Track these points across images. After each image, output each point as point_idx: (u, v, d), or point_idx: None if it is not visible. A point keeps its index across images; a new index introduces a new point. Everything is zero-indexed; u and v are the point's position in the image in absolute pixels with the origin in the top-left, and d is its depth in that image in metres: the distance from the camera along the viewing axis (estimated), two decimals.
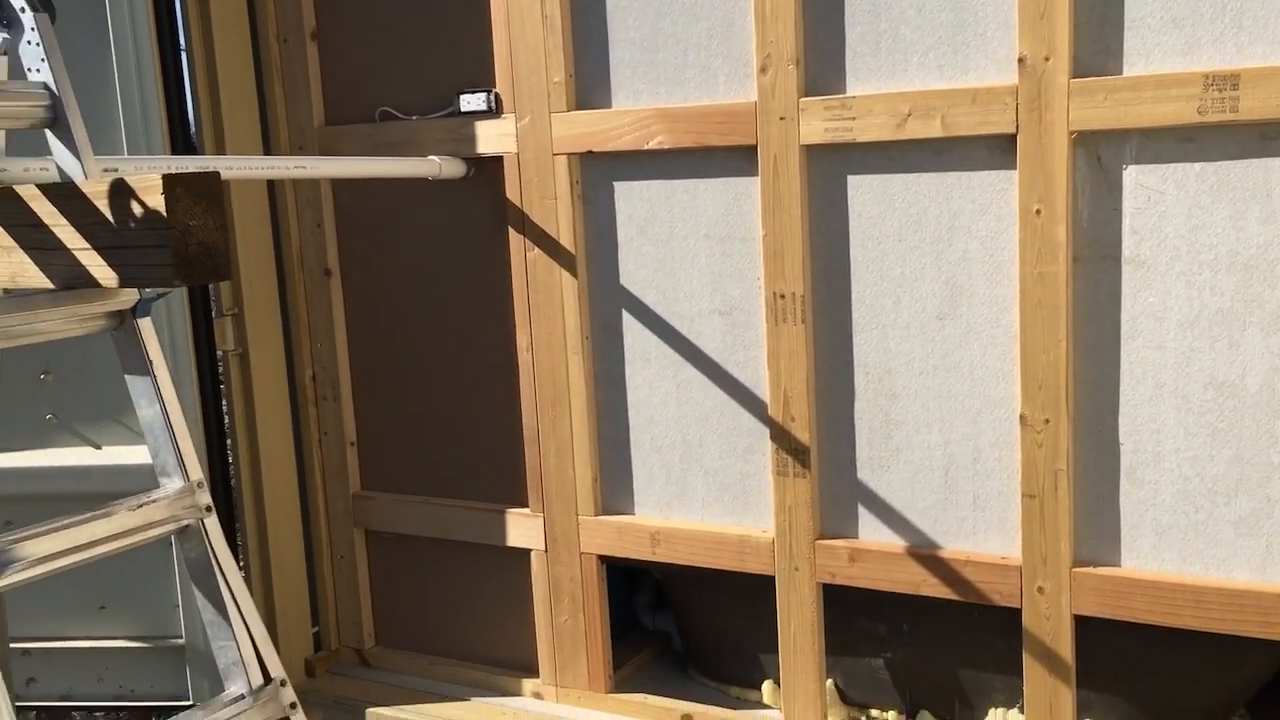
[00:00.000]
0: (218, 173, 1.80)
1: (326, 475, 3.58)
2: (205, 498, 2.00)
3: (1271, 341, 2.39)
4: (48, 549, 1.78)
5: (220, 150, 3.30)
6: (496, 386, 3.26)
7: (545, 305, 3.12)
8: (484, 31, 3.07)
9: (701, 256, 2.94)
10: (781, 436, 2.87)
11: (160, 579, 3.65)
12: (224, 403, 3.51)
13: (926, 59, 2.60)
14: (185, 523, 1.98)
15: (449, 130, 3.16)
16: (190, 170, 1.79)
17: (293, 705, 2.03)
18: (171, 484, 1.99)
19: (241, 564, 3.47)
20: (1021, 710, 2.79)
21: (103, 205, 1.78)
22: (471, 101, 3.11)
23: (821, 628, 2.92)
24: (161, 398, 1.99)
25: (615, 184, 3.01)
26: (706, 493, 3.04)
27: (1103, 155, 2.48)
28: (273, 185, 3.46)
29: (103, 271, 1.81)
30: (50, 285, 1.88)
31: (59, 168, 1.94)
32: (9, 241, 1.89)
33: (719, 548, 3.00)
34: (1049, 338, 2.54)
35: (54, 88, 1.93)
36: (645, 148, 2.90)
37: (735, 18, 2.77)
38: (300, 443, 3.59)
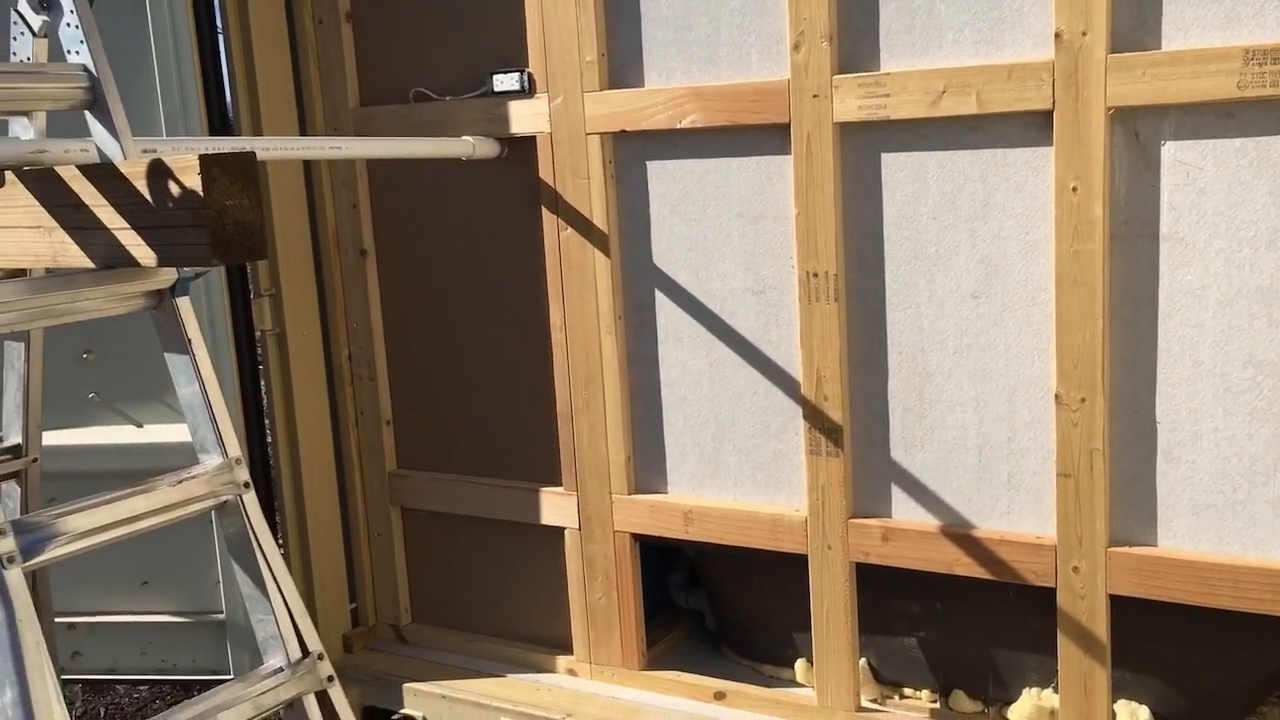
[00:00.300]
0: (253, 153, 1.81)
1: (363, 454, 3.62)
2: (244, 474, 2.03)
3: None
4: (91, 523, 1.81)
5: (257, 131, 3.33)
6: (530, 366, 3.28)
7: (578, 285, 3.13)
8: (517, 11, 3.07)
9: (734, 236, 2.93)
10: (814, 415, 2.87)
11: (201, 556, 3.71)
12: (262, 383, 3.55)
13: (962, 35, 2.58)
14: (224, 498, 2.01)
15: (482, 110, 3.17)
16: (226, 151, 1.81)
17: (330, 678, 2.06)
18: (211, 460, 2.02)
19: (280, 542, 3.52)
20: (1056, 690, 2.78)
21: (141, 186, 1.81)
22: (505, 81, 3.12)
23: (854, 607, 2.92)
24: (200, 376, 2.01)
25: (648, 163, 3.01)
26: (739, 471, 3.05)
27: (1140, 131, 2.45)
28: (309, 166, 3.49)
29: (142, 251, 1.83)
30: (91, 265, 1.91)
31: (98, 149, 1.97)
32: (50, 222, 1.92)
33: (752, 526, 3.01)
34: (1085, 316, 2.52)
35: (93, 70, 1.96)
36: (678, 127, 2.90)
37: None
38: (337, 422, 3.63)
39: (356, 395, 3.59)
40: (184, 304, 2.02)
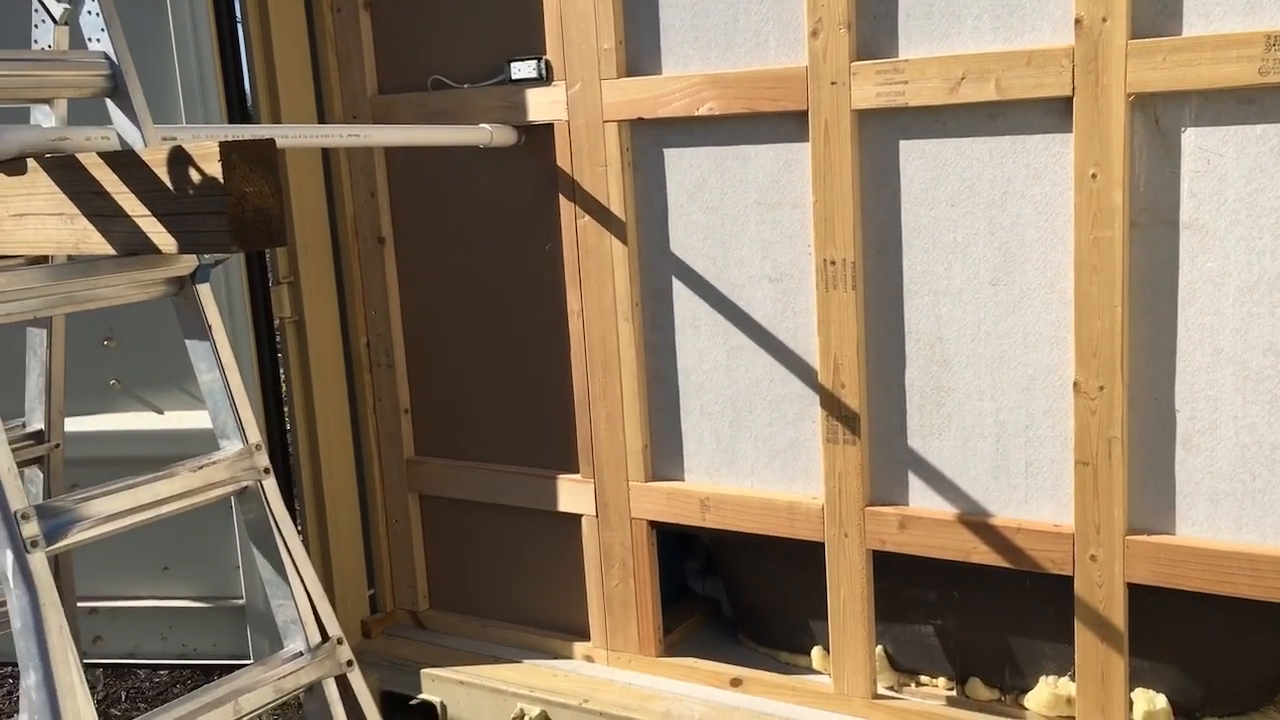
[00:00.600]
0: (273, 140, 1.82)
1: (381, 441, 3.64)
2: (264, 460, 2.04)
3: None
4: (113, 508, 1.83)
5: (275, 119, 3.34)
6: (547, 353, 3.29)
7: (596, 272, 3.13)
8: None
9: (751, 223, 2.93)
10: (831, 403, 2.87)
11: (221, 542, 3.74)
12: (281, 370, 3.57)
13: (981, 21, 2.57)
14: (244, 484, 2.02)
15: (500, 98, 3.18)
16: (246, 138, 1.82)
17: (349, 663, 2.07)
18: (231, 446, 2.03)
19: (299, 528, 3.52)
20: (1072, 678, 2.78)
21: (162, 173, 1.82)
22: (522, 69, 3.12)
23: (871, 594, 2.92)
24: (221, 362, 2.03)
25: (665, 151, 3.01)
26: (756, 459, 3.05)
27: (1161, 118, 2.44)
28: (327, 154, 3.50)
29: (163, 238, 1.84)
30: (113, 251, 1.92)
31: (119, 136, 1.98)
32: (72, 209, 1.93)
33: (768, 514, 3.01)
34: (1104, 304, 2.51)
35: (114, 57, 1.97)
36: (695, 114, 2.90)
37: None
38: (355, 409, 3.64)
39: (375, 382, 3.60)
40: (204, 291, 2.04)
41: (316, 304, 3.51)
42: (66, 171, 1.93)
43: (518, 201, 3.27)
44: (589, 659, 3.38)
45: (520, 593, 3.53)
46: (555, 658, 3.43)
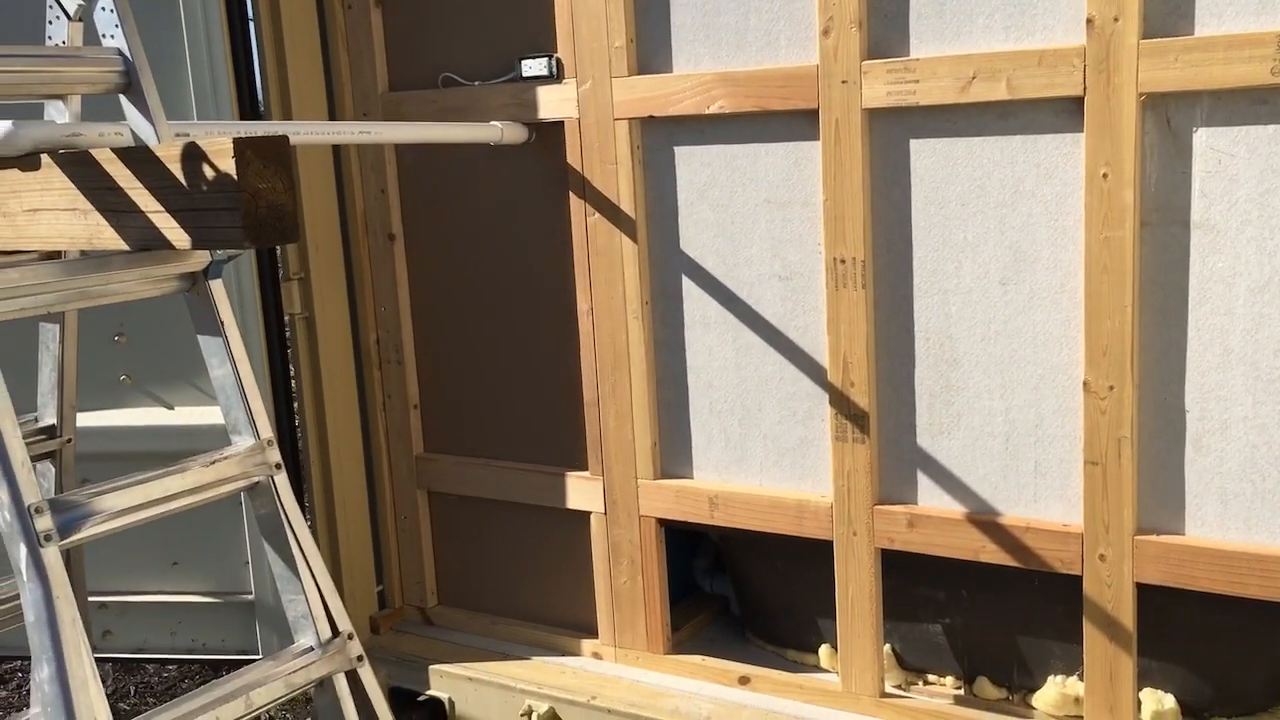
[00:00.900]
0: (286, 137, 1.83)
1: (390, 437, 3.64)
2: (275, 455, 2.05)
3: None
4: (125, 502, 1.84)
5: (287, 116, 3.35)
6: (557, 351, 3.29)
7: (605, 270, 3.13)
8: None
9: (761, 221, 2.93)
10: (841, 402, 2.87)
11: (230, 537, 3.74)
12: (290, 366, 3.58)
13: (992, 20, 2.57)
14: (256, 479, 2.03)
15: (511, 95, 3.18)
16: (259, 135, 1.82)
17: (359, 658, 2.08)
18: (243, 441, 2.04)
19: (308, 523, 3.55)
20: (1081, 678, 2.78)
21: (175, 169, 1.82)
22: (533, 66, 3.13)
23: (879, 593, 2.92)
24: (233, 357, 2.03)
25: (676, 149, 3.01)
26: (765, 457, 3.05)
27: (1172, 118, 2.43)
28: (338, 151, 3.51)
29: (176, 234, 1.85)
30: (126, 247, 1.92)
31: (133, 132, 1.98)
32: (86, 204, 1.94)
33: (777, 512, 3.01)
34: (1114, 303, 2.51)
35: (127, 53, 1.97)
36: (706, 112, 2.90)
37: None
38: (365, 405, 3.65)
39: (384, 379, 3.61)
40: (217, 286, 2.04)
41: (326, 300, 3.51)
42: (80, 167, 1.94)
43: (528, 199, 3.27)
44: (597, 656, 3.39)
45: (528, 589, 3.54)
46: (563, 655, 3.43)
